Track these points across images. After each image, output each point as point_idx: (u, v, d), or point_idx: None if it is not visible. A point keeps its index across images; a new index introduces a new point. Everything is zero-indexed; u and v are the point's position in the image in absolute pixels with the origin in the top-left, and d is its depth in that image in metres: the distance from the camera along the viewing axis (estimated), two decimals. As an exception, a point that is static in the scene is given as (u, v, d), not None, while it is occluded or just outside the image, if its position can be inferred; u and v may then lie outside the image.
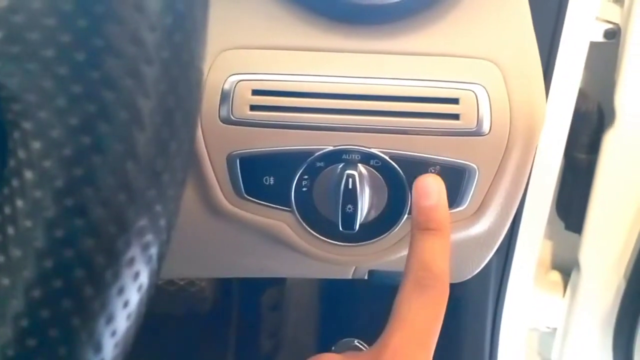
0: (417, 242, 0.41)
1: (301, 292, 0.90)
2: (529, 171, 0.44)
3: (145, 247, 0.22)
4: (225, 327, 0.92)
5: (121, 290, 0.22)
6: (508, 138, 0.42)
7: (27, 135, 0.21)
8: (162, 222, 0.23)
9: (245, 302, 0.93)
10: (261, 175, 0.44)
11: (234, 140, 0.43)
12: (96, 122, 0.21)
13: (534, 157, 0.45)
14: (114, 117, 0.21)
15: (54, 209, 0.21)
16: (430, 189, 0.42)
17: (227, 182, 0.45)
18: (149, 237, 0.22)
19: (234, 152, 0.44)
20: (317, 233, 0.46)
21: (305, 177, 0.44)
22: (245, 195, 0.45)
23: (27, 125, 0.21)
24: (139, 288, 0.23)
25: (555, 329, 0.85)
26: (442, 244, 0.41)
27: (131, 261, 0.22)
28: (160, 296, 0.84)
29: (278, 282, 0.91)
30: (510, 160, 0.43)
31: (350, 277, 0.54)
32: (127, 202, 0.22)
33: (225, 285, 0.90)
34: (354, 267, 0.52)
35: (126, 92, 0.21)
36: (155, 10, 0.21)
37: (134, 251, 0.22)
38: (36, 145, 0.21)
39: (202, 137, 0.43)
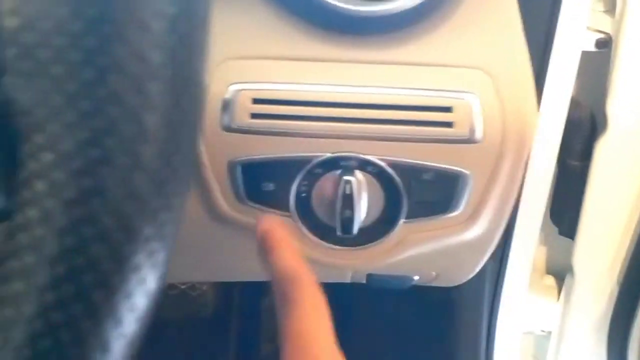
0: (267, 265, 0.40)
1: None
2: (521, 177, 0.46)
3: (151, 254, 0.24)
4: (226, 331, 0.93)
5: (129, 295, 0.23)
6: (500, 145, 0.44)
7: (38, 148, 0.22)
8: (167, 230, 0.24)
9: (246, 306, 0.94)
10: (261, 181, 0.46)
11: (235, 148, 0.45)
12: (104, 136, 0.22)
13: (527, 164, 0.46)
14: (121, 131, 0.22)
15: (65, 218, 0.22)
16: (259, 222, 0.42)
17: (228, 188, 0.46)
18: (155, 244, 0.24)
19: (235, 159, 0.45)
20: (316, 237, 0.48)
21: (305, 183, 0.46)
22: (246, 201, 0.46)
23: (37, 138, 0.22)
24: (146, 292, 0.24)
25: (549, 333, 0.86)
26: (286, 252, 0.40)
27: (138, 267, 0.23)
28: (161, 300, 0.85)
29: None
30: (503, 167, 0.44)
31: (348, 280, 0.55)
32: (134, 211, 0.23)
33: (226, 290, 0.91)
34: (352, 271, 0.53)
35: (132, 107, 0.22)
36: (160, 31, 0.23)
37: (141, 258, 0.23)
38: (47, 157, 0.22)
39: (204, 144, 0.44)
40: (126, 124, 0.22)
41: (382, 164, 0.44)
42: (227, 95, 0.44)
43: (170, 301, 0.84)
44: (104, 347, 0.23)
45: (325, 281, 0.57)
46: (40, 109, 0.22)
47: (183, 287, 0.84)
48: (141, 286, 0.24)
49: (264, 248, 0.41)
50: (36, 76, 0.22)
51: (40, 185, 0.22)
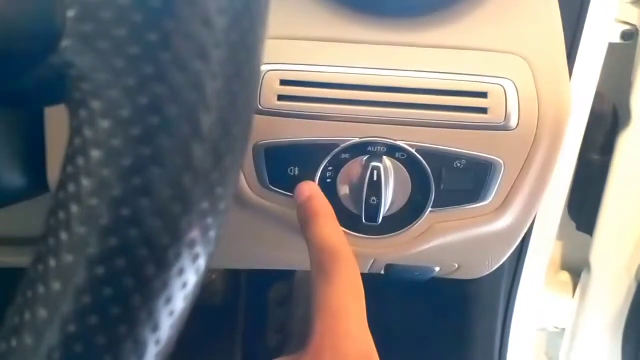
0: (307, 234, 0.41)
1: (309, 288, 0.90)
2: (554, 167, 0.44)
3: (206, 230, 0.23)
4: (234, 321, 0.92)
5: (181, 271, 0.22)
6: (535, 133, 0.42)
7: (96, 114, 0.21)
8: (222, 206, 0.23)
9: (254, 297, 0.93)
10: (286, 166, 0.45)
11: (261, 130, 0.43)
12: (165, 102, 0.21)
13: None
14: (183, 98, 0.21)
15: (121, 187, 0.21)
16: (301, 189, 0.44)
17: (252, 173, 0.45)
18: (210, 220, 0.22)
19: (260, 142, 0.44)
20: (340, 225, 0.46)
21: (330, 168, 0.44)
22: (270, 186, 0.45)
23: (95, 104, 0.21)
24: (197, 270, 0.23)
25: (563, 330, 0.85)
26: (328, 223, 0.41)
27: (192, 243, 0.22)
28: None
29: (285, 278, 0.91)
30: (537, 156, 0.43)
31: (367, 271, 0.54)
32: (192, 183, 0.22)
33: (234, 279, 0.90)
34: (372, 261, 0.52)
35: (195, 73, 0.21)
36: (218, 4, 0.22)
37: (196, 233, 0.22)
38: (104, 124, 0.21)
39: None
40: (187, 91, 0.21)
41: (412, 150, 0.43)
42: None
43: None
44: (154, 325, 0.22)
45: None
46: (100, 73, 0.21)
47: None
48: (194, 263, 0.22)
49: (303, 217, 0.41)
50: (97, 38, 0.21)
51: (95, 154, 0.21)
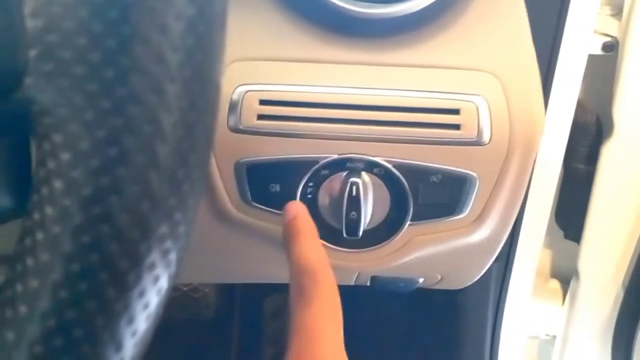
0: (288, 253, 0.40)
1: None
2: (528, 180, 0.45)
3: (165, 253, 0.24)
4: (228, 334, 0.92)
5: (142, 293, 0.23)
6: (508, 147, 0.43)
7: (57, 147, 0.22)
8: (181, 229, 0.24)
9: (248, 309, 0.94)
10: (267, 183, 0.46)
11: (242, 149, 0.44)
12: (122, 135, 0.22)
13: (534, 167, 0.46)
14: (139, 130, 0.22)
15: (81, 215, 0.22)
16: (287, 209, 0.43)
17: (234, 189, 0.46)
18: (169, 244, 0.24)
19: (242, 160, 0.45)
20: (321, 239, 0.47)
21: (311, 184, 0.45)
22: (252, 202, 0.46)
23: (57, 137, 0.22)
24: (158, 291, 0.24)
25: (554, 337, 0.86)
26: (308, 243, 0.40)
27: (152, 265, 0.23)
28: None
29: (280, 289, 0.92)
30: (510, 169, 0.44)
31: (353, 283, 0.55)
32: (149, 210, 0.23)
33: (228, 292, 0.91)
34: (356, 273, 0.53)
35: (150, 107, 0.23)
36: (178, 32, 0.23)
37: (155, 256, 0.23)
38: (65, 156, 0.22)
39: None
40: (144, 123, 0.22)
41: (389, 165, 0.44)
42: (234, 97, 0.44)
43: (172, 303, 0.83)
44: (117, 345, 0.23)
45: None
46: (61, 108, 0.22)
47: (185, 289, 0.84)
48: (154, 284, 0.24)
49: (286, 236, 0.41)
50: (57, 76, 0.22)
51: (58, 184, 0.22)
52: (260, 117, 0.44)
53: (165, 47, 0.22)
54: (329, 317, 0.37)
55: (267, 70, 0.44)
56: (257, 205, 0.46)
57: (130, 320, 0.23)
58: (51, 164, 0.22)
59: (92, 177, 0.22)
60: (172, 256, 0.24)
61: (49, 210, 0.22)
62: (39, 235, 0.22)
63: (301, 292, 0.37)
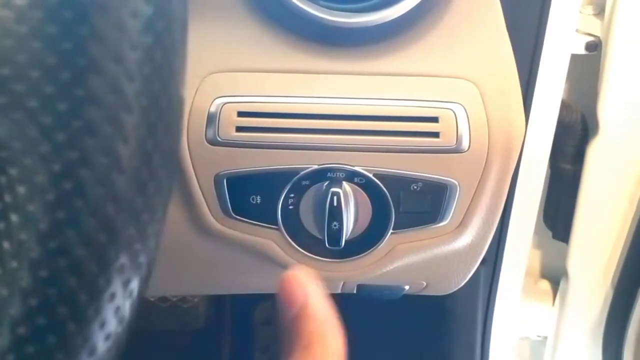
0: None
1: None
2: (508, 186, 0.45)
3: (126, 283, 0.24)
4: (219, 343, 0.92)
5: (103, 324, 0.23)
6: (487, 154, 0.43)
7: (13, 181, 0.22)
8: (142, 259, 0.24)
9: (238, 317, 0.93)
10: (248, 195, 0.45)
11: (221, 161, 0.44)
12: (78, 167, 0.22)
13: (519, 169, 0.46)
14: (95, 162, 0.22)
15: (38, 250, 0.22)
16: (293, 292, 0.33)
17: (214, 202, 0.46)
18: (129, 274, 0.24)
19: (221, 173, 0.44)
20: (304, 250, 0.47)
21: (292, 195, 0.45)
22: (233, 215, 0.46)
23: (13, 171, 0.22)
24: (120, 321, 0.24)
25: (545, 338, 0.86)
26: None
27: (112, 297, 0.23)
28: (152, 312, 0.85)
29: (270, 297, 0.92)
30: (490, 176, 0.44)
31: (339, 291, 0.54)
32: (107, 242, 0.23)
33: (218, 301, 0.90)
34: (342, 282, 0.53)
35: (106, 138, 0.22)
36: (134, 61, 0.22)
37: (115, 287, 0.23)
38: (21, 189, 0.22)
39: (189, 158, 0.44)
40: (100, 155, 0.22)
41: (369, 174, 0.44)
42: (212, 109, 0.43)
43: (161, 313, 0.83)
44: (91, 349, 0.23)
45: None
46: (15, 141, 0.22)
47: (174, 299, 0.83)
48: (115, 315, 0.23)
49: (284, 306, 0.33)
50: (11, 109, 0.22)
51: (14, 218, 0.22)
52: (239, 129, 0.43)
53: (121, 77, 0.22)
54: None
55: (245, 81, 0.44)
56: (238, 217, 0.46)
57: (103, 324, 0.23)
58: (8, 198, 0.22)
59: (48, 211, 0.22)
60: (134, 286, 0.24)
61: (7, 245, 0.22)
62: None
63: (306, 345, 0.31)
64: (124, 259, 0.23)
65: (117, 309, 0.23)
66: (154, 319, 0.83)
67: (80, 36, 0.22)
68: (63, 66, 0.22)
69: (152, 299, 0.82)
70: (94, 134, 0.22)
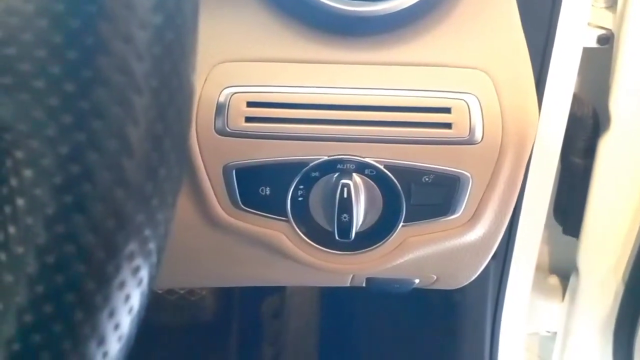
0: None
1: (301, 299, 0.90)
2: (521, 178, 0.45)
3: (135, 271, 0.23)
4: (226, 335, 0.92)
5: (112, 313, 0.23)
6: (500, 146, 0.43)
7: (19, 164, 0.22)
8: (152, 246, 0.24)
9: (246, 310, 0.93)
10: (257, 186, 0.45)
11: (230, 152, 0.44)
12: (86, 151, 0.21)
13: (530, 163, 0.45)
14: (103, 145, 0.22)
15: (45, 235, 0.21)
16: None
17: (223, 193, 0.45)
18: (139, 261, 0.23)
19: (230, 164, 0.44)
20: (313, 242, 0.47)
21: (301, 187, 0.45)
22: (242, 206, 0.45)
23: (18, 154, 0.22)
24: (130, 310, 0.23)
25: (555, 333, 0.85)
26: None
27: (122, 285, 0.23)
28: (160, 305, 0.84)
29: (278, 290, 0.92)
30: (503, 168, 0.43)
31: (348, 284, 0.54)
32: (116, 228, 0.22)
33: (225, 294, 0.90)
34: (351, 275, 0.52)
35: (115, 120, 0.22)
36: (144, 40, 0.22)
37: (124, 275, 0.23)
38: (27, 173, 0.21)
39: (198, 148, 0.44)
40: (108, 138, 0.22)
41: (380, 166, 0.44)
42: (221, 99, 0.43)
43: (169, 306, 0.83)
44: (100, 339, 0.22)
45: (325, 285, 0.56)
46: (21, 124, 0.22)
47: (182, 292, 0.83)
48: (125, 304, 0.23)
49: None
50: (17, 90, 0.21)
51: (21, 202, 0.22)
52: (248, 119, 0.43)
53: (129, 57, 0.22)
54: None
55: (254, 71, 0.44)
56: (246, 209, 0.45)
57: (112, 314, 0.23)
58: (14, 182, 0.22)
59: (55, 195, 0.21)
60: (144, 274, 0.23)
61: (12, 230, 0.21)
62: (3, 256, 0.22)
63: None
64: (133, 246, 0.23)
65: (127, 298, 0.23)
66: (161, 311, 0.83)
67: (88, 14, 0.21)
68: (70, 45, 0.21)
69: (159, 292, 0.82)
70: (102, 116, 0.21)
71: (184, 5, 0.23)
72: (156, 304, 0.82)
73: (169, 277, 0.53)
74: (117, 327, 0.23)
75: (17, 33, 0.21)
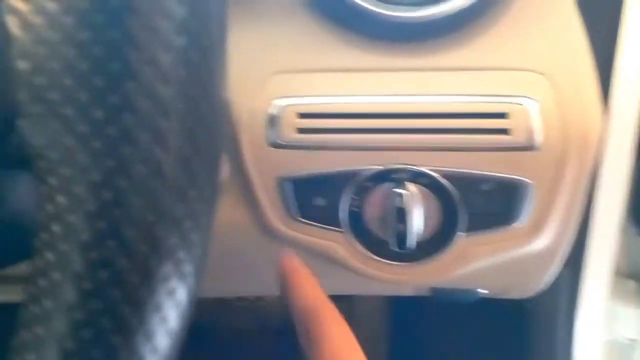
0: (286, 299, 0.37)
1: (369, 306, 0.90)
2: (585, 183, 0.43)
3: (171, 293, 0.23)
4: (296, 340, 0.92)
5: (149, 336, 0.23)
6: (562, 151, 0.41)
7: (53, 190, 0.22)
8: (187, 267, 0.23)
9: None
10: (312, 197, 0.44)
11: (284, 164, 0.43)
12: (116, 177, 0.22)
13: (602, 165, 0.43)
14: (133, 171, 0.22)
15: (80, 261, 0.22)
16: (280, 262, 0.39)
17: (279, 205, 0.45)
18: (174, 283, 0.23)
19: (284, 175, 0.44)
20: (370, 253, 0.46)
21: (356, 197, 0.44)
22: (297, 217, 0.45)
23: (52, 180, 0.22)
24: (168, 332, 0.23)
25: (635, 340, 0.81)
26: (303, 283, 0.38)
27: (157, 307, 0.23)
28: (230, 312, 0.85)
29: (345, 296, 0.91)
30: (566, 174, 0.41)
31: (410, 294, 0.53)
32: (149, 252, 0.22)
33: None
34: (413, 285, 0.51)
35: (143, 145, 0.22)
36: (168, 63, 0.22)
37: (160, 298, 0.23)
38: (61, 200, 0.22)
39: (251, 161, 0.44)
40: (138, 163, 0.22)
41: (435, 175, 0.42)
42: (273, 111, 0.43)
43: (239, 312, 0.84)
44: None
45: (386, 294, 0.55)
46: (53, 151, 0.22)
47: (251, 298, 0.84)
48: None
49: (283, 287, 0.39)
50: (47, 118, 0.22)
51: (56, 228, 0.22)
52: (300, 130, 0.43)
53: (155, 81, 0.22)
54: (348, 352, 0.34)
55: (305, 82, 0.43)
56: (301, 220, 0.45)
57: (149, 337, 0.23)
58: (49, 208, 0.22)
59: (88, 221, 0.22)
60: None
61: (50, 257, 0.22)
62: (42, 282, 0.22)
63: (311, 336, 0.35)
64: (167, 269, 0.23)
65: (163, 319, 0.23)
66: (231, 317, 0.84)
67: (112, 41, 0.21)
68: (96, 72, 0.21)
69: (229, 299, 0.83)
70: (130, 141, 0.22)
71: (209, 27, 0.23)
72: (227, 310, 0.83)
73: (228, 285, 0.54)
74: (154, 349, 0.23)
75: (46, 62, 0.21)
